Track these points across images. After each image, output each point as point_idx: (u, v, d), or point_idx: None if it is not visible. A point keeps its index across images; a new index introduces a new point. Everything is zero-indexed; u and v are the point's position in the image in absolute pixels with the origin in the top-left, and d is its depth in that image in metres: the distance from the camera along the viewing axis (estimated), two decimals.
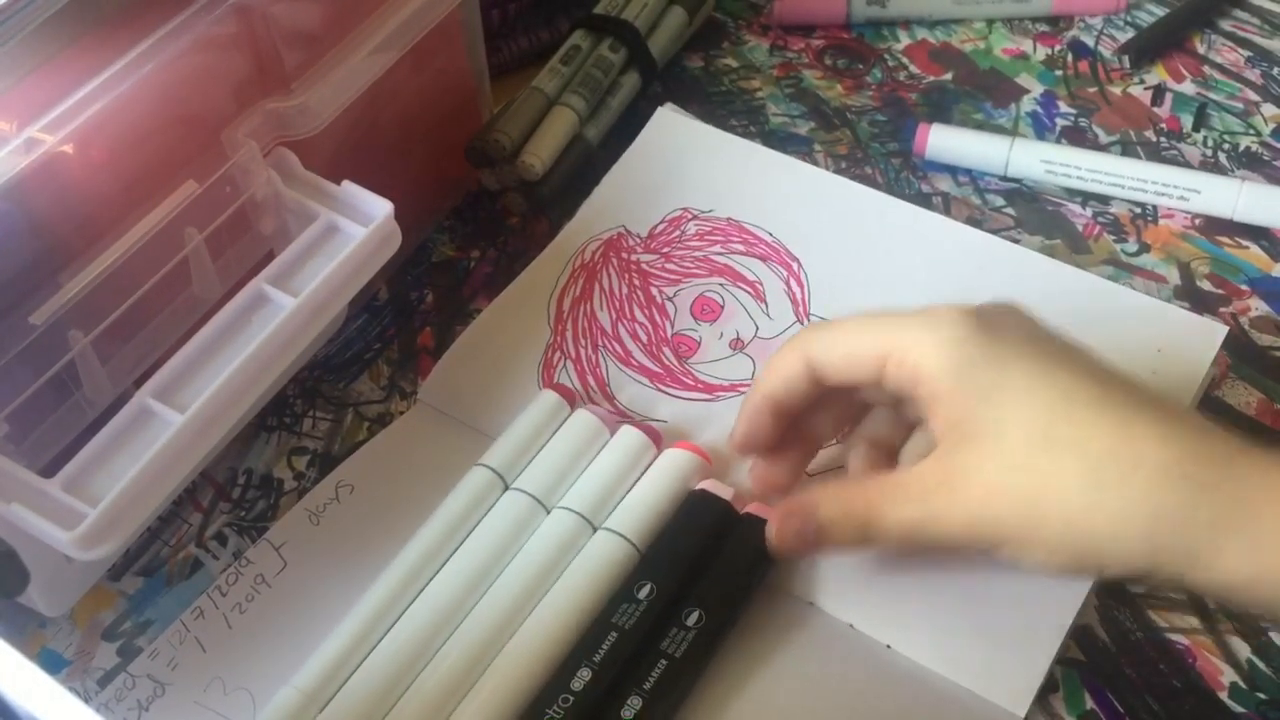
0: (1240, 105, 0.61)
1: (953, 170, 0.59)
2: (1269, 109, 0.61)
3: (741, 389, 0.50)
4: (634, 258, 0.54)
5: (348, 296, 0.44)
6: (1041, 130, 0.61)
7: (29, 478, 0.38)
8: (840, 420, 0.46)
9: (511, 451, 0.47)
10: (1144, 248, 0.56)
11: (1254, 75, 0.63)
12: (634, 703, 0.41)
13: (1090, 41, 0.65)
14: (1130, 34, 0.65)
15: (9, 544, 0.40)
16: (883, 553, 0.45)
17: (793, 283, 0.53)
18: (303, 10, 0.45)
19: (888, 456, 0.45)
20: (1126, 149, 0.60)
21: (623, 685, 0.41)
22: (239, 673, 0.44)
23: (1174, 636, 0.45)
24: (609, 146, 0.59)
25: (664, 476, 0.47)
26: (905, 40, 0.66)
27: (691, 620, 0.43)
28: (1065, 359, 0.39)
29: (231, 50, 0.44)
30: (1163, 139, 0.60)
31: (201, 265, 0.44)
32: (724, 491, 0.46)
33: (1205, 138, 0.60)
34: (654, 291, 0.54)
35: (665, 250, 0.55)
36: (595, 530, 0.45)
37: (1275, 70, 0.63)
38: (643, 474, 0.47)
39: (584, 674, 0.41)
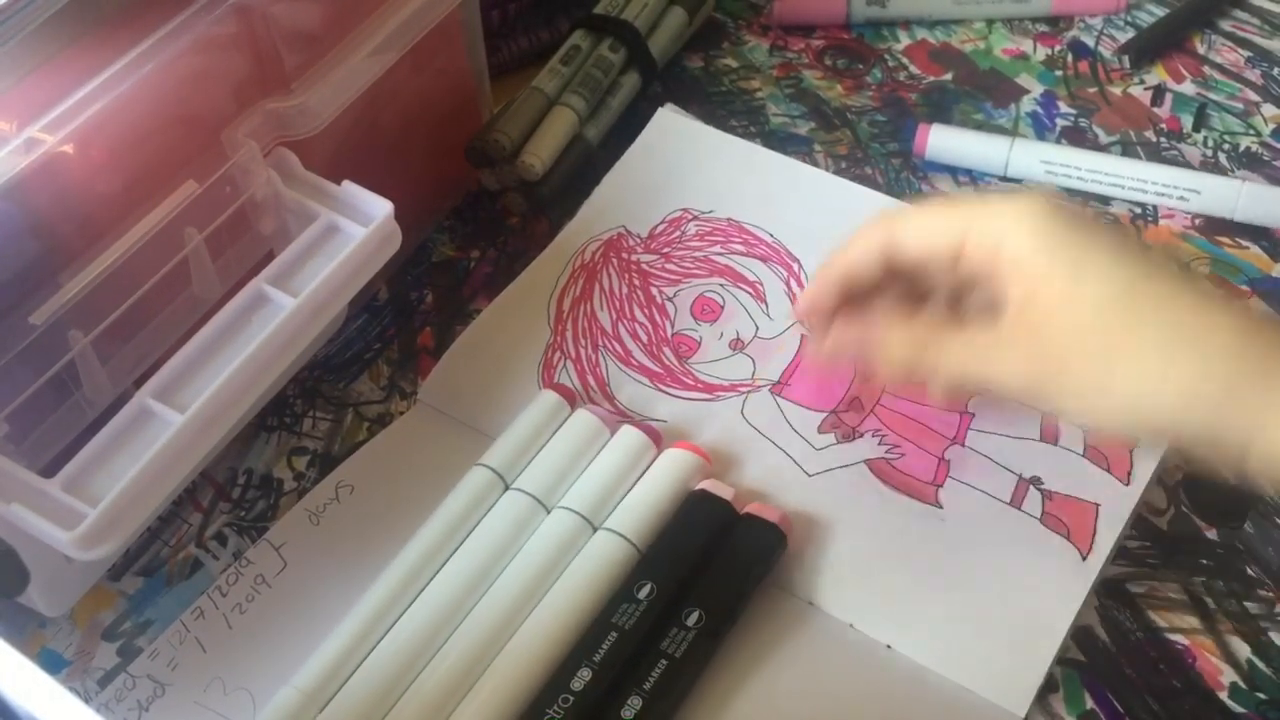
0: (1240, 105, 0.61)
1: (953, 170, 0.59)
2: (1269, 109, 0.61)
3: (741, 389, 0.50)
4: (634, 258, 0.54)
5: (348, 296, 0.44)
6: (1041, 130, 0.61)
7: (29, 478, 0.38)
8: (894, 309, 0.45)
9: (511, 451, 0.47)
10: (1144, 248, 0.56)
11: (1254, 75, 0.63)
12: (634, 703, 0.41)
13: (1090, 42, 0.65)
14: (1130, 34, 0.65)
15: (9, 544, 0.40)
16: (931, 390, 0.44)
17: (793, 283, 0.53)
18: (303, 10, 0.45)
19: None
20: (1126, 149, 0.60)
21: (623, 685, 0.41)
22: (239, 673, 0.44)
23: (1174, 636, 0.45)
24: (609, 146, 0.59)
25: (664, 476, 0.47)
26: (905, 40, 0.66)
27: (691, 620, 0.43)
28: (1142, 248, 0.40)
29: (231, 50, 0.44)
30: (1163, 139, 0.60)
31: (201, 265, 0.44)
32: (724, 491, 0.46)
33: (1205, 138, 0.60)
34: (654, 291, 0.54)
35: (665, 250, 0.55)
36: (595, 530, 0.45)
37: (1275, 70, 0.63)
38: (643, 474, 0.47)
39: (584, 674, 0.41)
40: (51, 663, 0.45)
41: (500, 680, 0.42)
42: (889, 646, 0.44)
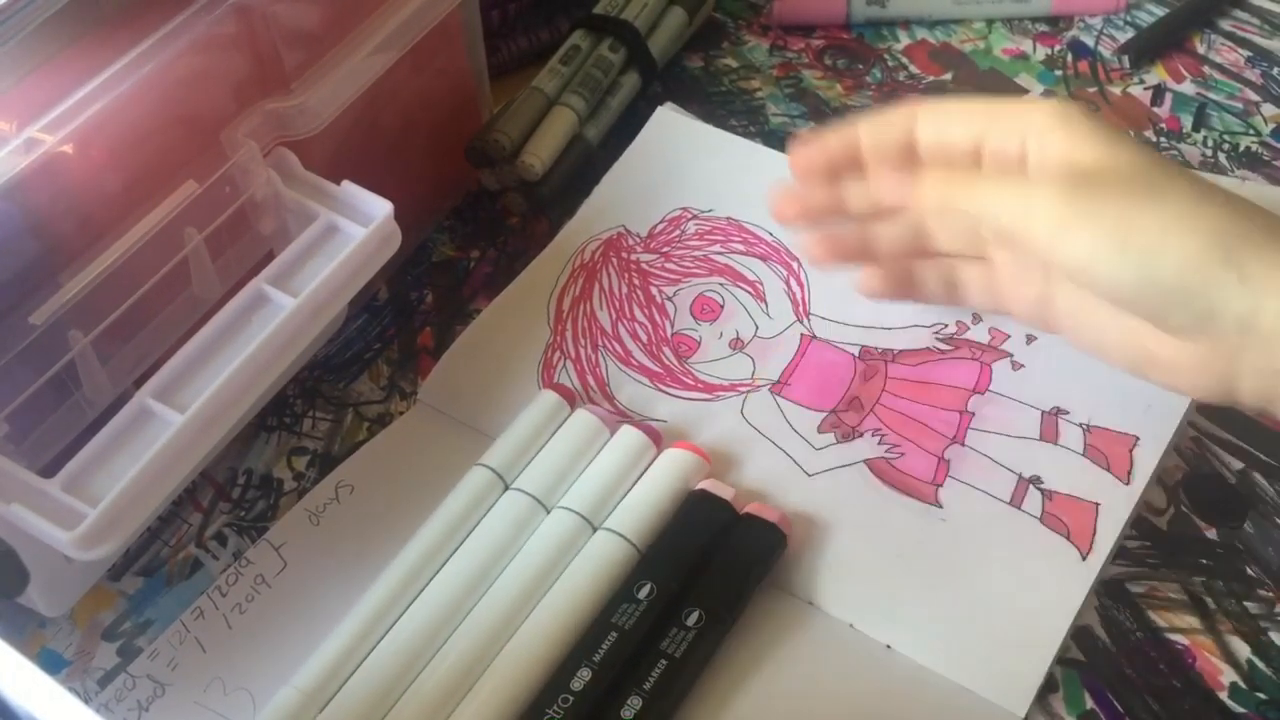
0: (1240, 105, 0.61)
1: None
2: (1269, 109, 0.61)
3: (741, 389, 0.50)
4: (634, 257, 0.54)
5: (348, 296, 0.44)
6: None
7: (29, 478, 0.38)
8: (876, 201, 0.46)
9: (511, 451, 0.47)
10: None
11: (1254, 75, 0.63)
12: (634, 703, 0.41)
13: (1090, 41, 0.65)
14: (1130, 34, 0.65)
15: (9, 544, 0.40)
16: (954, 211, 0.44)
17: (793, 282, 0.53)
18: (303, 10, 0.45)
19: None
20: None
21: (623, 685, 0.41)
22: (239, 673, 0.44)
23: (1174, 636, 0.45)
24: (609, 146, 0.59)
25: (664, 476, 0.47)
26: (905, 40, 0.66)
27: (691, 620, 0.43)
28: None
29: (231, 50, 0.44)
30: (1163, 139, 0.60)
31: (201, 265, 0.44)
32: (724, 491, 0.46)
33: (1205, 138, 0.60)
34: (654, 291, 0.54)
35: (665, 250, 0.55)
36: (595, 530, 0.45)
37: (1275, 70, 0.63)
38: (643, 474, 0.47)
39: (584, 674, 0.41)
40: (51, 663, 0.45)
41: (500, 680, 0.42)
42: (889, 646, 0.44)
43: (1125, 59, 0.64)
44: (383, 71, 0.48)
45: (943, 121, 0.44)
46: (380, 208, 0.45)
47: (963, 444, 0.48)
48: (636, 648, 0.42)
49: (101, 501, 0.38)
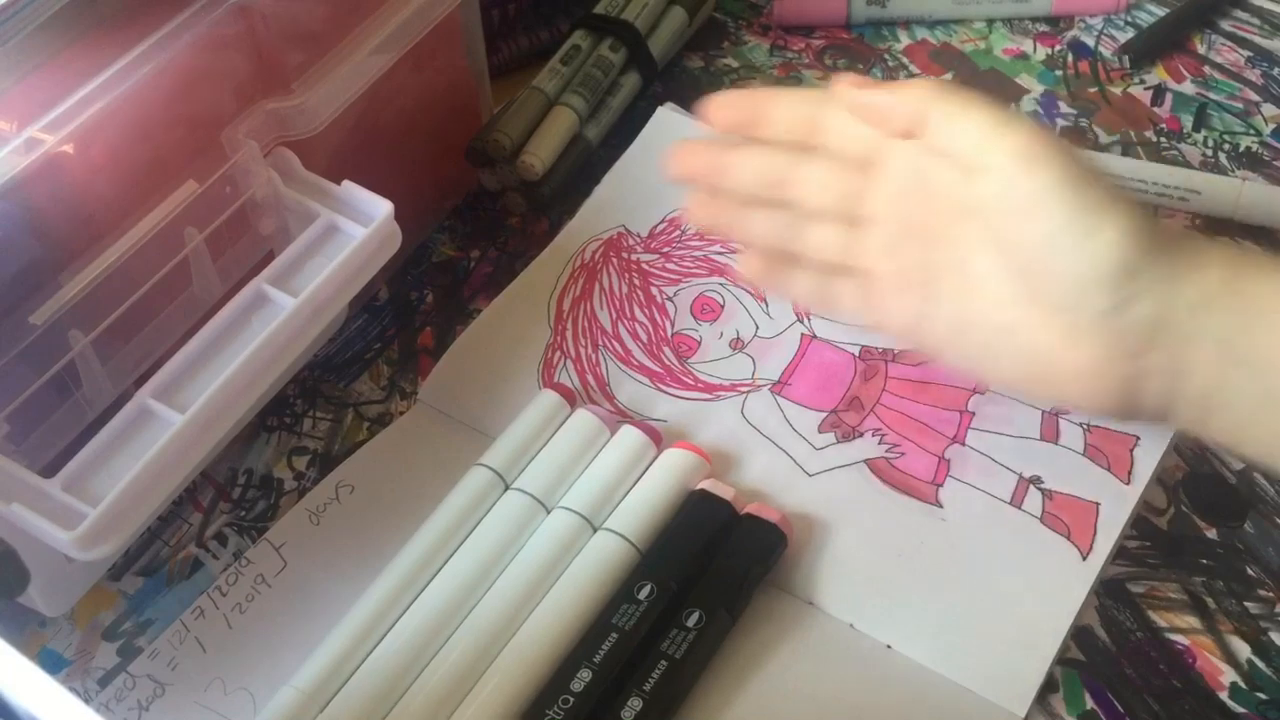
0: (1240, 105, 0.61)
1: None
2: (1269, 109, 0.61)
3: (741, 388, 0.50)
4: (634, 257, 0.54)
5: (348, 296, 0.44)
6: None
7: (29, 478, 0.38)
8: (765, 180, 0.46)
9: (511, 451, 0.47)
10: None
11: (1254, 75, 0.63)
12: (634, 703, 0.41)
13: (1090, 41, 0.65)
14: (1130, 34, 0.65)
15: (9, 544, 0.40)
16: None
17: None
18: (303, 10, 0.45)
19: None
20: (1127, 149, 0.60)
21: (623, 686, 0.41)
22: (239, 673, 0.44)
23: (1174, 636, 0.45)
24: (609, 146, 0.59)
25: (664, 477, 0.47)
26: (905, 40, 0.66)
27: (691, 621, 0.43)
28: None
29: (231, 50, 0.44)
30: (1163, 139, 0.60)
31: (201, 265, 0.44)
32: (724, 492, 0.46)
33: (1205, 138, 0.60)
34: (654, 291, 0.54)
35: (665, 250, 0.55)
36: (595, 530, 0.45)
37: (1275, 70, 0.63)
38: (643, 474, 0.47)
39: (584, 675, 0.41)
40: (51, 663, 0.45)
41: (500, 681, 0.42)
42: (889, 646, 0.44)
43: (1125, 59, 0.64)
44: (383, 71, 0.48)
45: (859, 107, 0.43)
46: (380, 208, 0.45)
47: (963, 444, 0.48)
48: (637, 648, 0.42)
49: (101, 501, 0.38)
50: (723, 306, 0.53)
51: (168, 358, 0.42)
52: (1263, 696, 0.43)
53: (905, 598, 0.45)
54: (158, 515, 0.48)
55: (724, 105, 0.46)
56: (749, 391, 0.50)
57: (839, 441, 0.49)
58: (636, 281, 0.54)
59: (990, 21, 0.66)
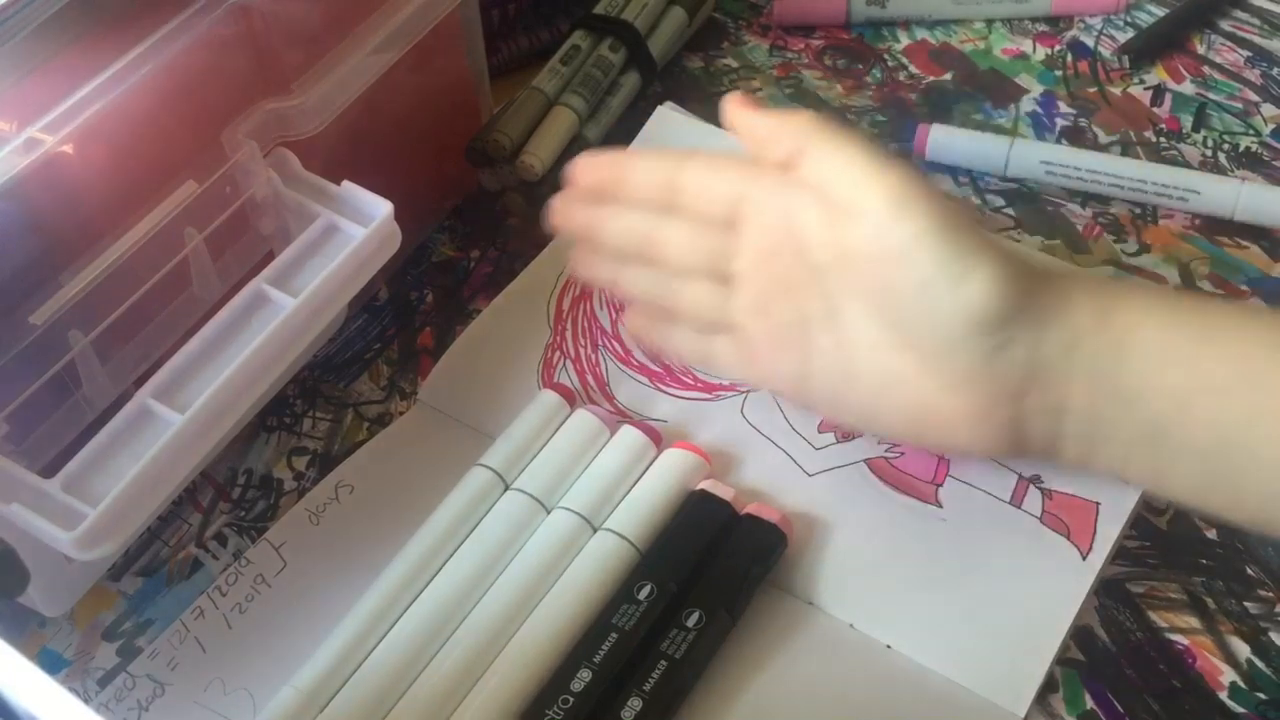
0: (1240, 105, 0.61)
1: (953, 170, 0.59)
2: (1269, 109, 0.61)
3: (741, 388, 0.50)
4: None
5: (348, 296, 0.44)
6: (1041, 130, 0.61)
7: (29, 478, 0.38)
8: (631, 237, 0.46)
9: (511, 451, 0.47)
10: (1144, 248, 0.56)
11: (1254, 75, 0.63)
12: (634, 704, 0.41)
13: (1090, 42, 0.65)
14: (1130, 34, 0.65)
15: (9, 544, 0.40)
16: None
17: None
18: (303, 10, 0.45)
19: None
20: (1126, 149, 0.60)
21: (623, 686, 0.41)
22: (239, 673, 0.44)
23: (1174, 636, 0.45)
24: (609, 146, 0.59)
25: (664, 477, 0.47)
26: (905, 40, 0.66)
27: (691, 621, 0.43)
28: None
29: (231, 50, 0.44)
30: (1162, 139, 0.60)
31: (201, 265, 0.44)
32: (724, 492, 0.46)
33: (1205, 138, 0.60)
34: None
35: None
36: (595, 531, 0.45)
37: (1275, 70, 0.63)
38: (643, 474, 0.47)
39: (584, 675, 0.41)
40: (51, 663, 0.45)
41: (500, 681, 0.42)
42: (889, 646, 0.44)
43: (1125, 59, 0.64)
44: (383, 71, 0.48)
45: (709, 171, 0.44)
46: (380, 208, 0.45)
47: None
48: (636, 648, 0.42)
49: (101, 501, 0.38)
50: None
51: (168, 358, 0.42)
52: (1262, 696, 0.43)
53: (905, 598, 0.45)
54: (158, 515, 0.48)
55: (587, 168, 0.47)
56: (749, 391, 0.50)
57: (839, 441, 0.49)
58: None
59: (990, 21, 0.66)
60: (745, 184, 0.43)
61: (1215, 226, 0.57)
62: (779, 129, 0.42)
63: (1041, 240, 0.56)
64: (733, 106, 0.44)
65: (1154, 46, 0.64)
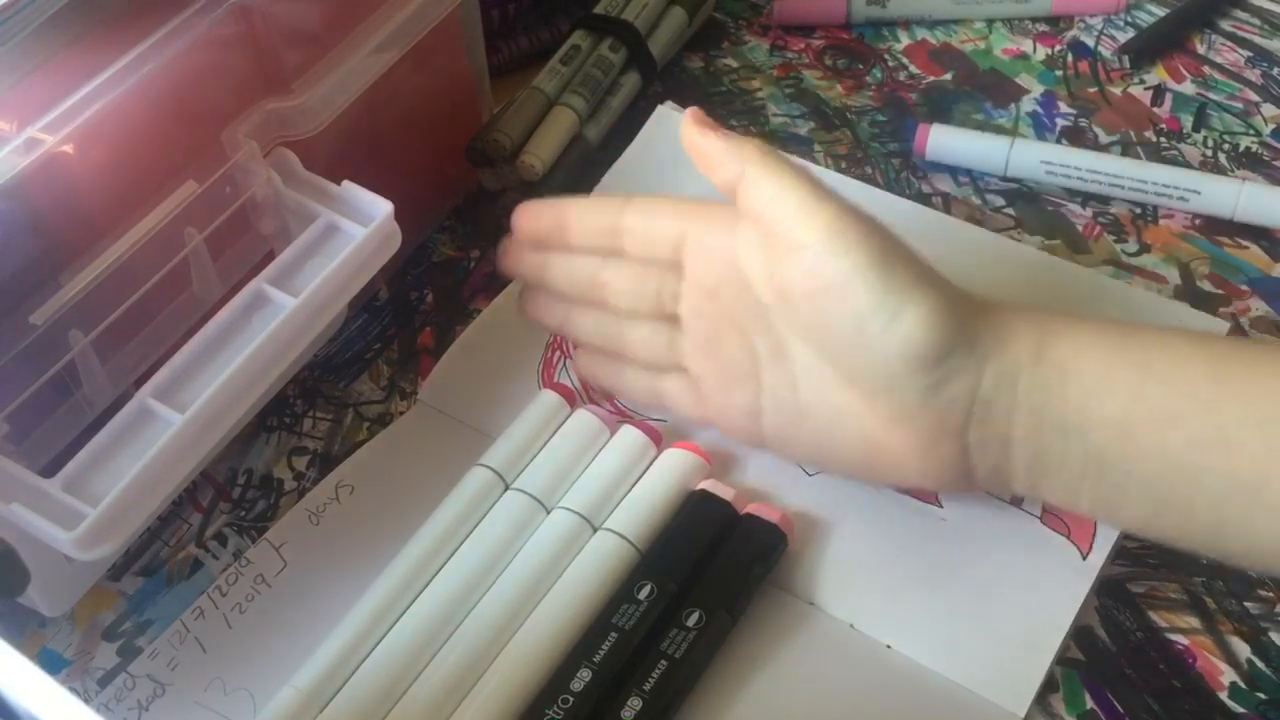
0: (1240, 105, 0.61)
1: (953, 170, 0.59)
2: (1269, 109, 0.61)
3: None
4: None
5: (348, 296, 0.44)
6: (1041, 130, 0.61)
7: (29, 478, 0.38)
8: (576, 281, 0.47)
9: (512, 452, 0.47)
10: (1144, 248, 0.56)
11: (1254, 75, 0.63)
12: (634, 703, 0.41)
13: (1090, 42, 0.65)
14: (1130, 34, 0.65)
15: (9, 544, 0.40)
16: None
17: None
18: (303, 10, 0.45)
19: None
20: (1126, 149, 0.60)
21: (623, 686, 0.41)
22: (239, 673, 0.44)
23: (1174, 636, 0.45)
24: (609, 146, 0.59)
25: (664, 477, 0.47)
26: (905, 40, 0.66)
27: (691, 621, 0.43)
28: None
29: (232, 50, 0.44)
30: (1163, 139, 0.60)
31: (201, 265, 0.44)
32: (725, 492, 0.46)
33: (1205, 138, 0.60)
34: None
35: None
36: (595, 531, 0.45)
37: (1275, 70, 0.63)
38: (643, 474, 0.47)
39: (584, 674, 0.41)
40: (51, 663, 0.45)
41: (500, 680, 0.42)
42: (889, 646, 0.44)
43: (1125, 59, 0.64)
44: (383, 71, 0.48)
45: (649, 213, 0.45)
46: (380, 208, 0.45)
47: None
48: (637, 648, 0.42)
49: (101, 501, 0.38)
50: None
51: (168, 358, 0.42)
52: (1262, 696, 0.43)
53: (905, 598, 0.45)
54: (158, 515, 0.48)
55: (529, 217, 0.47)
56: None
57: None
58: None
59: (990, 21, 0.66)
60: (685, 223, 0.44)
61: (1215, 226, 0.57)
62: (725, 154, 0.42)
63: (1041, 240, 0.56)
64: (686, 125, 0.44)
65: (1154, 46, 0.64)
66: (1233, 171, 0.59)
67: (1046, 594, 0.44)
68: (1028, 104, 0.62)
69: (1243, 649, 0.44)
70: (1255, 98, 0.62)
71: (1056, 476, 0.40)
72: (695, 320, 0.45)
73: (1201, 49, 0.64)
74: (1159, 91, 0.62)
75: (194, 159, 0.43)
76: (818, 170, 0.56)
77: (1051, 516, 0.46)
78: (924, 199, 0.58)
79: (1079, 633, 0.44)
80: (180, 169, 0.43)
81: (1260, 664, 0.44)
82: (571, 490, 0.46)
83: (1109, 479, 0.39)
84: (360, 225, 0.44)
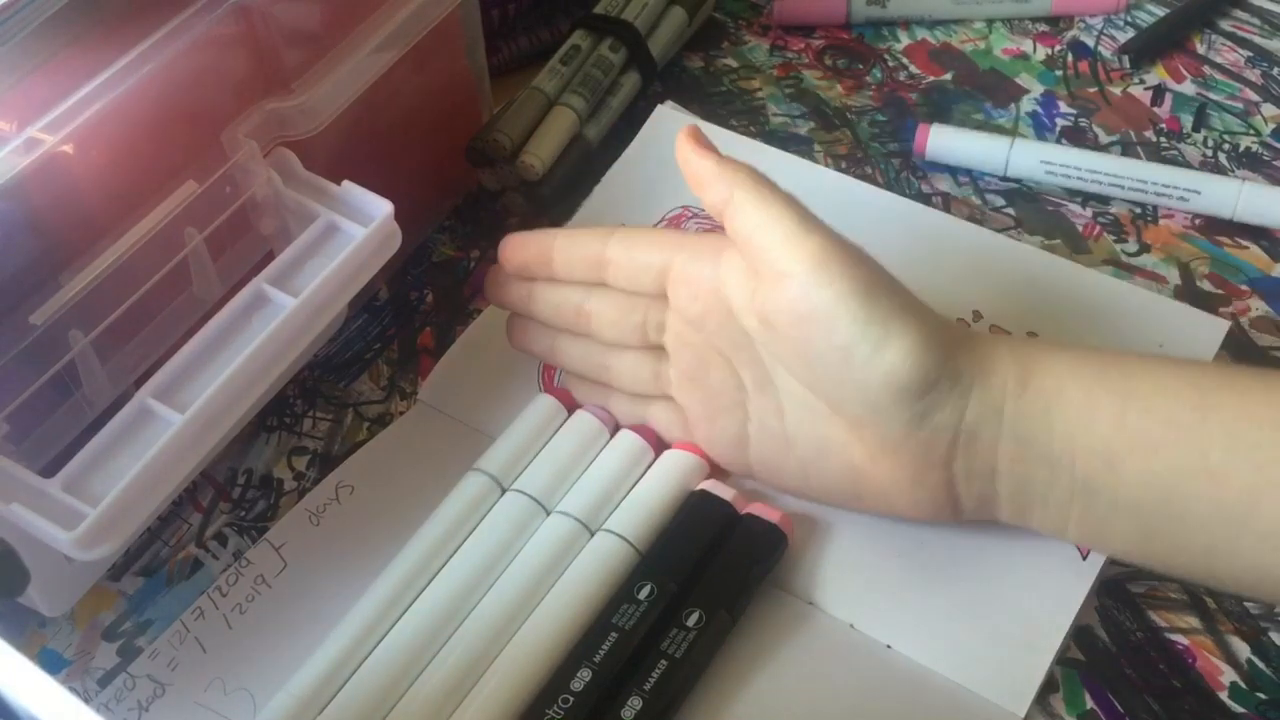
0: (1240, 105, 0.61)
1: (953, 170, 0.59)
2: (1269, 109, 0.61)
3: None
4: None
5: (348, 296, 0.44)
6: (1041, 130, 0.61)
7: (29, 478, 0.38)
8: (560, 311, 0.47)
9: (511, 453, 0.47)
10: (1144, 248, 0.56)
11: (1254, 75, 0.63)
12: (634, 703, 0.41)
13: (1090, 41, 0.65)
14: (1130, 34, 0.65)
15: (9, 544, 0.40)
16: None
17: None
18: (303, 10, 0.45)
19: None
20: (1126, 149, 0.60)
21: (623, 686, 0.41)
22: (239, 673, 0.44)
23: (1174, 636, 0.45)
24: (609, 146, 0.59)
25: (664, 477, 0.47)
26: (905, 40, 0.66)
27: (691, 621, 0.43)
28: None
29: (232, 50, 0.44)
30: (1163, 139, 0.60)
31: (201, 265, 0.43)
32: (724, 492, 0.46)
33: (1205, 138, 0.60)
34: None
35: None
36: (595, 532, 0.45)
37: (1275, 70, 0.63)
38: (643, 475, 0.47)
39: (584, 674, 0.41)
40: (51, 663, 0.45)
41: (501, 680, 0.42)
42: (889, 646, 0.44)
43: (1125, 59, 0.64)
44: (383, 71, 0.48)
45: (633, 244, 0.45)
46: (380, 208, 0.45)
47: None
48: (637, 648, 0.42)
49: (101, 501, 0.38)
50: None
51: (168, 358, 0.42)
52: (1263, 696, 0.43)
53: (905, 598, 0.45)
54: (158, 515, 0.48)
55: (515, 247, 0.47)
56: None
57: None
58: None
59: (990, 21, 0.66)
60: (669, 254, 0.44)
61: (1215, 226, 0.57)
62: (715, 177, 0.42)
63: (1041, 240, 0.56)
64: (681, 143, 0.44)
65: (1154, 46, 0.64)
66: (1233, 171, 0.59)
67: (1046, 594, 0.44)
68: (1028, 104, 0.62)
69: (1243, 649, 0.44)
70: (1255, 98, 0.62)
71: (1043, 506, 0.40)
72: (680, 350, 0.45)
73: (1201, 49, 0.64)
74: (1159, 91, 0.62)
75: (194, 159, 0.43)
76: (818, 170, 0.57)
77: None
78: (924, 199, 0.58)
79: (1079, 633, 0.44)
80: (180, 169, 0.43)
81: (1260, 664, 0.44)
82: (571, 491, 0.46)
83: (1095, 508, 0.39)
84: (360, 225, 0.44)
